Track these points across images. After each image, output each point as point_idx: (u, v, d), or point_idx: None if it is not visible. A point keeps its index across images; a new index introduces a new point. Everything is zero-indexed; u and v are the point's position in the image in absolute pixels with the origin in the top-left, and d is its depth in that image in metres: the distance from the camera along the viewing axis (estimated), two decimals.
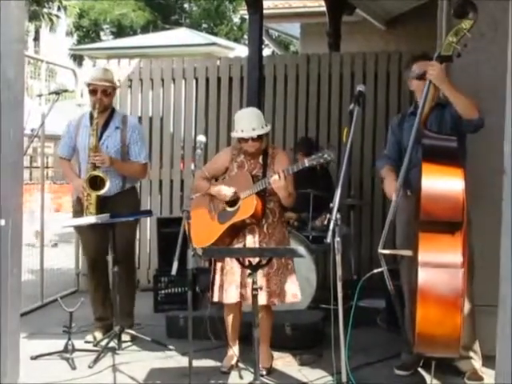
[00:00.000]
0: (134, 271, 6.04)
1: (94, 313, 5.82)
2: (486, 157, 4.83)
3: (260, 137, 4.79)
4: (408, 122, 4.69)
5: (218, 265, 4.79)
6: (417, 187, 4.27)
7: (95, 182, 5.46)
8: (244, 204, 4.72)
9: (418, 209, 4.09)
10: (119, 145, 5.62)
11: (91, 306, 5.83)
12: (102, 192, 5.44)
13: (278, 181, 4.53)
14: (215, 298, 4.79)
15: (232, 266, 4.70)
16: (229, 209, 4.81)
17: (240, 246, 4.80)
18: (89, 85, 5.61)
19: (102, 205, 5.50)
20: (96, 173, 5.44)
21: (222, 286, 4.75)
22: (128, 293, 5.77)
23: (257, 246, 4.74)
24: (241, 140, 4.82)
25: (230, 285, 4.71)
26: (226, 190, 4.81)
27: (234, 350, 4.94)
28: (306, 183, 6.63)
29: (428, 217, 4.00)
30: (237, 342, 4.99)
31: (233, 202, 4.81)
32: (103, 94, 5.56)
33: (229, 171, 4.95)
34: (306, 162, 4.49)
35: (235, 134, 4.84)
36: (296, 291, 4.83)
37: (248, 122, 4.79)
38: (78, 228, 5.88)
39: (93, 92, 5.58)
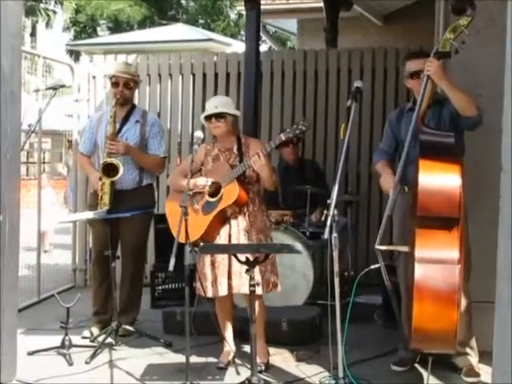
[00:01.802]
0: (142, 268, 6.03)
1: (93, 306, 5.82)
2: (484, 153, 4.84)
3: (224, 118, 4.86)
4: (407, 117, 4.69)
5: (207, 259, 4.78)
6: (413, 183, 4.28)
7: (109, 170, 5.48)
8: (226, 191, 4.74)
9: (415, 205, 4.09)
10: (138, 138, 5.67)
11: (92, 299, 5.84)
12: (115, 178, 5.45)
13: (258, 160, 4.57)
14: (209, 294, 4.79)
15: (223, 257, 4.72)
16: (211, 199, 4.81)
17: (225, 233, 4.81)
18: (111, 77, 5.72)
19: (118, 199, 5.51)
20: (109, 160, 5.47)
21: (215, 281, 4.75)
22: (133, 289, 5.78)
23: (241, 234, 4.77)
24: (207, 123, 4.94)
25: (222, 277, 4.72)
26: (201, 181, 4.84)
27: (230, 345, 4.95)
28: (297, 180, 6.64)
29: (425, 213, 4.00)
30: (232, 336, 5.00)
31: (214, 192, 4.82)
32: (125, 87, 5.66)
33: (204, 165, 4.98)
34: (283, 136, 4.55)
35: (201, 116, 5.00)
36: (276, 281, 4.85)
37: (212, 103, 4.96)
38: (90, 221, 5.89)
39: (115, 84, 5.68)
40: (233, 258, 4.54)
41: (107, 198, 5.48)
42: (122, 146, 5.49)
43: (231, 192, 4.71)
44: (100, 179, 5.50)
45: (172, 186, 5.15)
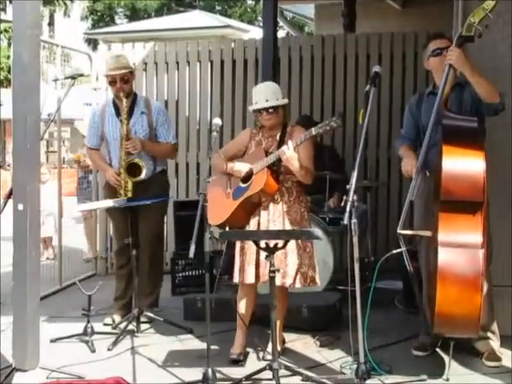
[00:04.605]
0: (161, 254, 6.07)
1: (116, 291, 5.88)
2: (501, 139, 4.81)
3: (275, 110, 4.75)
4: (427, 101, 4.66)
5: (238, 245, 4.76)
6: (435, 167, 4.26)
7: (132, 169, 5.52)
8: (256, 178, 4.69)
9: (438, 189, 4.08)
10: (147, 129, 5.68)
11: (115, 283, 5.90)
12: (139, 179, 5.51)
13: (286, 151, 4.47)
14: (236, 279, 4.74)
15: (251, 245, 4.64)
16: (242, 185, 4.78)
17: (255, 222, 4.75)
18: (107, 76, 5.67)
19: (135, 188, 5.55)
20: (133, 160, 5.52)
21: (242, 267, 4.70)
22: (152, 275, 5.82)
23: (270, 223, 4.70)
24: (257, 114, 4.81)
25: (248, 265, 4.67)
26: (239, 166, 4.80)
27: (242, 337, 4.84)
28: (315, 166, 6.61)
29: (449, 197, 3.99)
30: (246, 328, 4.85)
31: (247, 177, 4.78)
32: (122, 82, 5.61)
33: (247, 150, 4.92)
34: (313, 131, 4.44)
35: (250, 108, 4.86)
36: (314, 276, 4.76)
37: (262, 94, 4.78)
38: (110, 212, 5.95)
39: (112, 82, 5.64)
40: None
41: (131, 194, 5.53)
42: (138, 143, 5.51)
43: (259, 180, 4.65)
44: (118, 174, 5.54)
45: (213, 168, 4.91)
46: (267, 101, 4.73)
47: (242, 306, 4.84)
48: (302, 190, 4.87)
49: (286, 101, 4.83)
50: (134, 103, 5.71)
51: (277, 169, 4.70)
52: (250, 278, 4.67)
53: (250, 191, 4.70)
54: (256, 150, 4.84)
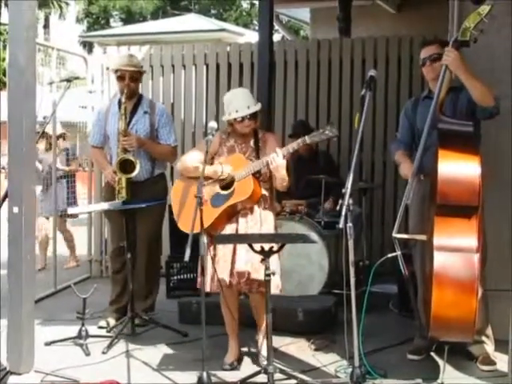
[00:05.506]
0: (157, 258, 6.05)
1: (111, 294, 5.87)
2: (501, 140, 4.82)
3: (254, 116, 4.71)
4: (422, 105, 4.68)
5: (209, 254, 4.62)
6: (431, 171, 4.27)
7: (126, 166, 5.51)
8: (240, 186, 4.58)
9: (433, 193, 4.09)
10: (148, 129, 5.68)
11: (111, 286, 5.89)
12: (132, 175, 5.48)
13: (276, 159, 4.43)
14: (208, 289, 4.61)
15: (224, 253, 4.58)
16: (223, 192, 4.66)
17: (232, 229, 4.65)
18: (116, 71, 5.71)
19: (132, 190, 5.54)
20: (126, 156, 5.50)
21: (213, 276, 4.58)
22: (148, 278, 5.80)
23: (248, 231, 4.62)
24: (234, 122, 4.71)
25: (222, 272, 4.56)
26: (223, 168, 4.65)
27: (235, 345, 4.81)
28: (309, 171, 6.63)
29: (444, 201, 4.00)
30: (237, 334, 4.83)
31: (226, 185, 4.68)
32: (130, 80, 5.64)
33: (217, 156, 4.80)
34: (307, 139, 4.42)
35: (230, 116, 4.71)
36: (278, 282, 4.65)
37: (242, 101, 4.71)
38: (108, 214, 5.93)
39: (120, 78, 5.67)
40: (236, 257, 4.50)
41: (124, 191, 5.52)
42: (134, 141, 5.51)
43: (245, 187, 4.56)
44: (115, 173, 5.53)
45: (184, 171, 4.85)
46: (249, 107, 4.68)
47: (228, 313, 4.77)
48: (274, 197, 4.86)
49: (260, 105, 4.79)
50: (139, 103, 5.75)
51: (258, 177, 4.65)
52: (223, 286, 4.57)
53: (235, 198, 4.60)
54: (233, 156, 4.74)
